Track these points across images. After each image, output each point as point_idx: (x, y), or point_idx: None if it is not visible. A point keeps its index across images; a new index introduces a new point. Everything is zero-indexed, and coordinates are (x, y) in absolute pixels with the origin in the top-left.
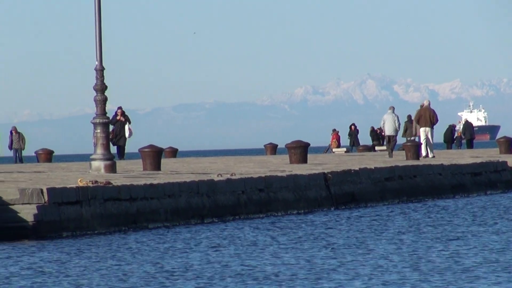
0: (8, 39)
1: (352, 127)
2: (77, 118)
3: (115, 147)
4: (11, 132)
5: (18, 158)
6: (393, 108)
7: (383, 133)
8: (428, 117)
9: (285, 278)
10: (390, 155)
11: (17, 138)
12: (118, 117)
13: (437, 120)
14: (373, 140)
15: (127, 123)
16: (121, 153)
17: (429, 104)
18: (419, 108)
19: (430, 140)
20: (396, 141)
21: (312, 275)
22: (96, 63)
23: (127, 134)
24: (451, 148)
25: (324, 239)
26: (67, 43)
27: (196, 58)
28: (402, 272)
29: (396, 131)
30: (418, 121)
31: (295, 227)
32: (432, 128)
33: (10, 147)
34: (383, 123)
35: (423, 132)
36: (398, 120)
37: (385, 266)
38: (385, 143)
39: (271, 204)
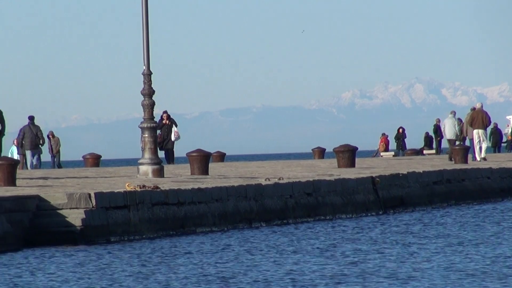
0: (56, 45)
1: (400, 130)
2: (124, 123)
3: (163, 151)
4: (48, 137)
5: (56, 164)
6: (454, 113)
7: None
8: (481, 119)
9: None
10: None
11: (55, 143)
12: (164, 121)
13: (490, 123)
14: (425, 144)
15: (173, 126)
16: (170, 157)
17: (482, 106)
18: (469, 111)
19: (484, 142)
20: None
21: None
22: (144, 67)
23: (173, 137)
24: (499, 151)
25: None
26: (115, 48)
27: (243, 62)
28: None
29: (456, 135)
30: (471, 124)
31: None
32: (485, 130)
33: (51, 152)
34: (444, 128)
35: (476, 134)
36: (459, 124)
37: None
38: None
39: (319, 208)
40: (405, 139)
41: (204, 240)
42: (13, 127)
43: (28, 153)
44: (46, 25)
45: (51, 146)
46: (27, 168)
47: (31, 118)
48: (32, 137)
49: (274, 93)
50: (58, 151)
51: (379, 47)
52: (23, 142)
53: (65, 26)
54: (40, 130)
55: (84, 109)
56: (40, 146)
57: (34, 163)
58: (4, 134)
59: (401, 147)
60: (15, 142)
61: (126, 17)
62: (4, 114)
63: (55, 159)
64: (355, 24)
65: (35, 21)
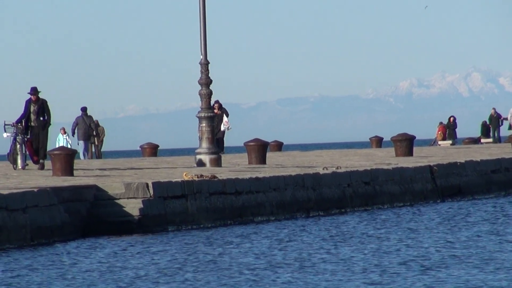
0: (113, 35)
1: (451, 119)
2: (182, 112)
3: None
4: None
5: (96, 154)
6: None
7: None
8: None
9: None
10: None
11: (99, 133)
12: (215, 111)
13: None
14: (482, 133)
15: (224, 116)
16: (220, 147)
17: None
18: None
19: None
20: None
21: None
22: (201, 57)
23: (223, 127)
24: None
25: None
26: (172, 37)
27: (300, 51)
28: None
29: None
30: None
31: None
32: None
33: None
34: (510, 116)
35: None
36: None
37: None
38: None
39: (376, 197)
40: (456, 129)
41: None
42: (71, 118)
43: (81, 144)
44: (103, 16)
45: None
46: (79, 158)
47: (84, 109)
48: (85, 128)
49: (331, 82)
50: (102, 141)
51: (436, 36)
52: (77, 132)
53: (122, 16)
54: (93, 121)
55: (142, 99)
56: (92, 136)
57: (81, 150)
58: (50, 124)
59: (452, 136)
60: (61, 131)
61: (183, 6)
62: (49, 104)
63: (97, 149)
64: (413, 13)
65: (93, 12)
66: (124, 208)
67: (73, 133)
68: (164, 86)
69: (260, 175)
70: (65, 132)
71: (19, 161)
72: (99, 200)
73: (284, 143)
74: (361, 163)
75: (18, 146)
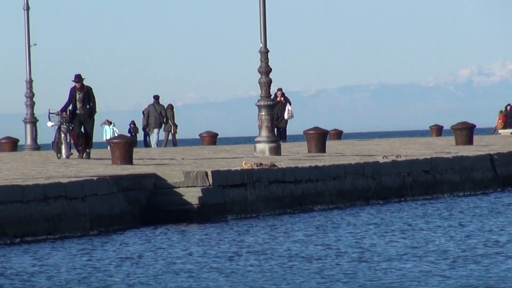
0: (173, 24)
1: (508, 107)
2: (241, 101)
3: (275, 129)
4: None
5: (172, 142)
6: None
7: None
8: None
9: None
10: None
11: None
12: (278, 99)
13: None
14: None
15: (288, 104)
16: (282, 135)
17: None
18: None
19: None
20: None
21: None
22: (261, 45)
23: (286, 116)
24: None
25: None
26: (231, 26)
27: (360, 39)
28: None
29: None
30: None
31: None
32: None
33: (144, 130)
34: None
35: None
36: None
37: None
38: None
39: (436, 186)
40: None
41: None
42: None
43: (154, 132)
44: (164, 5)
45: (167, 117)
46: (150, 146)
47: (156, 98)
48: (156, 116)
49: (390, 70)
50: (174, 124)
51: (497, 24)
52: (148, 121)
53: (183, 5)
54: (164, 109)
55: (201, 87)
56: (164, 124)
57: (154, 140)
58: (96, 112)
59: (509, 124)
60: (106, 122)
61: None
62: (94, 91)
63: (174, 137)
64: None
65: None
66: (183, 197)
67: (146, 123)
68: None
69: (320, 164)
70: (110, 123)
71: (63, 150)
72: (159, 188)
73: (344, 132)
74: (421, 152)
75: (62, 135)
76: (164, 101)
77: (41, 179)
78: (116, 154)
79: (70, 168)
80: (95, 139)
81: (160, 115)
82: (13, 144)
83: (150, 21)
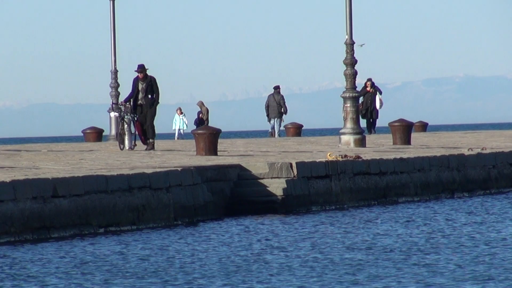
0: (260, 16)
1: None
2: (326, 92)
3: (365, 119)
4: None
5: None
6: None
7: None
8: None
9: None
10: None
11: (203, 113)
12: (367, 89)
13: None
14: None
15: (378, 93)
16: (373, 126)
17: None
18: None
19: None
20: None
21: None
22: (346, 37)
23: (378, 105)
24: None
25: None
26: (318, 18)
27: (446, 31)
28: None
29: None
30: None
31: None
32: None
33: (196, 123)
34: None
35: None
36: None
37: None
38: None
39: None
40: None
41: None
42: (223, 97)
43: (272, 121)
44: None
45: (199, 115)
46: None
47: (275, 88)
48: (275, 105)
49: (476, 62)
50: (207, 120)
51: None
52: (268, 111)
53: None
54: (283, 99)
55: (286, 79)
56: (283, 114)
57: (276, 130)
58: (158, 102)
59: None
60: (178, 111)
61: None
62: (157, 82)
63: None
64: None
65: None
66: (268, 188)
67: (267, 112)
68: (308, 66)
69: (405, 156)
70: (181, 113)
71: (126, 141)
72: (243, 179)
73: (429, 124)
74: (506, 144)
75: (126, 126)
76: (249, 93)
77: (126, 170)
78: (201, 145)
79: (154, 159)
80: (166, 129)
81: (279, 105)
82: (97, 134)
83: (240, 12)
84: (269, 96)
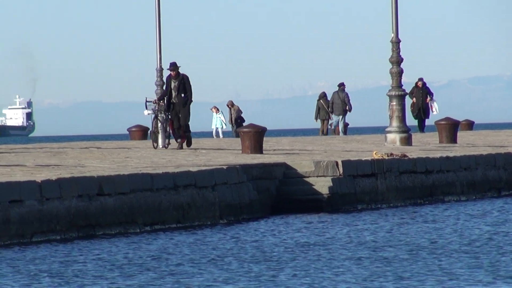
0: (304, 13)
1: None
2: (371, 90)
3: (417, 120)
4: (227, 106)
5: (233, 132)
6: None
7: None
8: None
9: None
10: None
11: (234, 112)
12: (417, 83)
13: None
14: None
15: (432, 100)
16: (422, 126)
17: None
18: None
19: None
20: None
21: None
22: (392, 35)
23: (435, 111)
24: None
25: None
26: (363, 15)
27: (494, 28)
28: None
29: None
30: None
31: None
32: None
33: (230, 121)
34: None
35: None
36: None
37: None
38: None
39: None
40: None
41: None
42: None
43: (336, 118)
44: None
45: (231, 115)
46: (334, 133)
47: (340, 85)
48: (339, 102)
49: None
50: (240, 118)
51: None
52: (332, 108)
53: None
54: (348, 96)
55: (331, 76)
56: (347, 111)
57: (341, 127)
58: (191, 101)
59: None
60: (214, 109)
61: None
62: (190, 80)
63: (234, 128)
64: None
65: None
66: (313, 186)
67: (331, 110)
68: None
69: (451, 154)
70: (218, 111)
71: (159, 140)
72: (288, 178)
73: (476, 122)
74: None
75: (159, 124)
76: (295, 90)
77: (171, 168)
78: (246, 143)
79: (199, 157)
80: (205, 128)
81: (343, 102)
82: (143, 133)
83: (285, 11)
84: (334, 93)
